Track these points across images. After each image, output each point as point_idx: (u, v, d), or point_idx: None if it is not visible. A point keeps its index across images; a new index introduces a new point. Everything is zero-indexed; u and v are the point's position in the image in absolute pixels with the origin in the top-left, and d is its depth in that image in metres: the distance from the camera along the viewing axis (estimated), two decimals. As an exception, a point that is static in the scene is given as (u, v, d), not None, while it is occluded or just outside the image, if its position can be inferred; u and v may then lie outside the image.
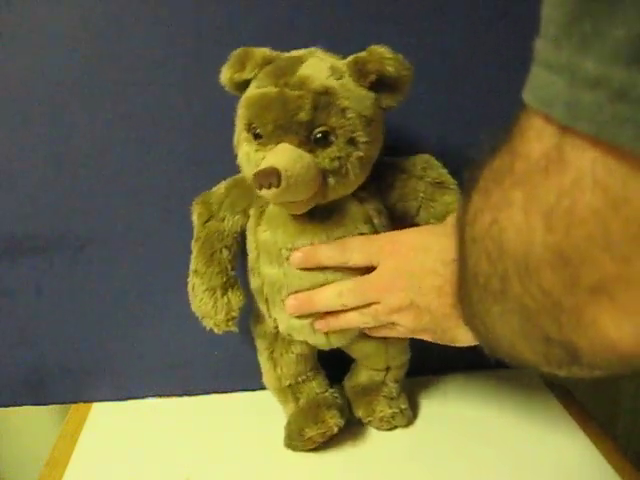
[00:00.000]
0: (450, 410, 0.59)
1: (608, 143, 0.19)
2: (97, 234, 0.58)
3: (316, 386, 0.55)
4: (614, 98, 0.18)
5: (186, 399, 0.62)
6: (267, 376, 0.55)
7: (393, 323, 0.49)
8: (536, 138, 0.22)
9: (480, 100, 0.56)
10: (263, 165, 0.43)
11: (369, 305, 0.49)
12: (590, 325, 0.22)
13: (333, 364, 0.58)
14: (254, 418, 0.58)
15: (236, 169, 0.53)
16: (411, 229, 0.49)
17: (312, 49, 0.48)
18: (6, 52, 0.53)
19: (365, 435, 0.56)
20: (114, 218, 0.57)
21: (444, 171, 0.51)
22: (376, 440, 0.56)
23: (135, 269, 0.59)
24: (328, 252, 0.48)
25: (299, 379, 0.54)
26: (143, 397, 0.62)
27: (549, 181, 0.21)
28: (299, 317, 0.50)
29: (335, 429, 0.52)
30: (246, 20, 0.54)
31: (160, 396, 0.62)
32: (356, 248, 0.48)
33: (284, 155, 0.43)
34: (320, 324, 0.51)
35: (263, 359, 0.55)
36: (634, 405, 0.82)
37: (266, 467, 0.53)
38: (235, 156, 0.53)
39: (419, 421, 0.58)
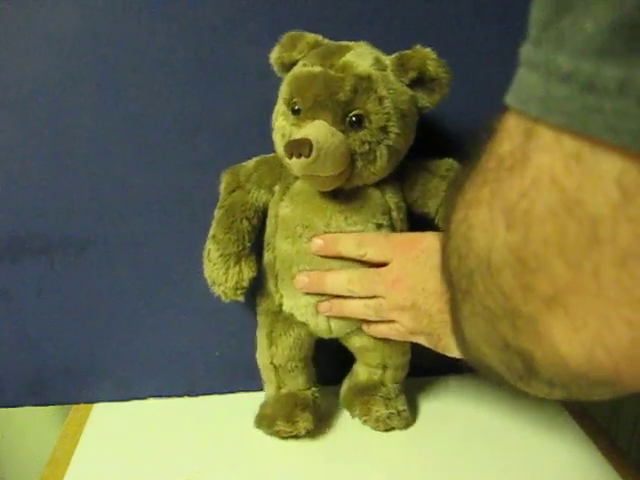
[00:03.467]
0: (449, 411, 0.59)
1: (577, 134, 0.19)
2: (98, 235, 0.58)
3: (301, 382, 0.56)
4: (583, 90, 0.19)
5: (187, 400, 0.62)
6: (261, 352, 0.56)
7: (393, 321, 0.50)
8: (507, 137, 0.22)
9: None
10: (297, 136, 0.45)
11: (374, 297, 0.50)
12: (544, 336, 0.22)
13: (331, 364, 0.58)
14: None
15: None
16: (429, 232, 0.50)
17: (360, 42, 0.50)
18: (7, 52, 0.53)
19: (365, 437, 0.56)
20: (115, 219, 0.57)
21: None
22: (376, 441, 0.56)
23: (136, 270, 0.59)
24: (347, 244, 0.50)
25: (289, 365, 0.55)
26: (144, 398, 0.62)
27: (512, 179, 0.22)
28: (307, 294, 0.51)
29: (303, 432, 0.54)
30: (248, 21, 0.54)
31: (161, 397, 0.62)
32: (372, 243, 0.50)
33: (318, 129, 0.45)
34: (324, 306, 0.52)
35: (261, 334, 0.56)
36: (635, 404, 0.82)
37: (267, 468, 0.53)
38: (237, 158, 0.53)
39: (419, 422, 0.58)
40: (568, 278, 0.20)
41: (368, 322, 0.53)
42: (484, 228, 0.23)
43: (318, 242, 0.50)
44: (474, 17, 0.55)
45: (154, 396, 0.62)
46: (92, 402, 0.62)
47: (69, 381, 0.62)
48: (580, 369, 0.22)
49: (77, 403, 0.63)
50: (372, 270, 0.50)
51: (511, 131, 0.22)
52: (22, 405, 0.62)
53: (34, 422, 0.81)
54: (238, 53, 0.51)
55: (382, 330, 0.52)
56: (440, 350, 0.48)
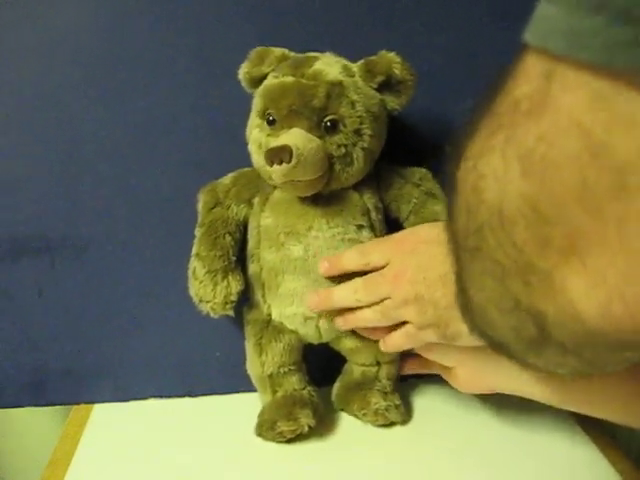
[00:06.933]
0: (447, 411, 0.59)
1: (606, 71, 0.18)
2: (99, 235, 0.58)
3: (295, 382, 0.56)
4: (616, 20, 0.17)
5: (188, 400, 0.62)
6: (251, 362, 0.56)
7: (402, 324, 0.50)
8: (524, 79, 0.21)
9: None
10: (276, 144, 0.46)
11: (381, 301, 0.49)
12: (559, 291, 0.21)
13: (323, 366, 0.58)
14: (256, 419, 0.58)
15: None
16: (424, 224, 0.51)
17: (326, 53, 0.51)
18: (10, 54, 0.53)
19: (365, 438, 0.56)
20: (116, 220, 0.58)
21: (438, 185, 0.55)
22: (373, 441, 0.56)
23: (137, 270, 0.59)
24: (350, 257, 0.50)
25: (281, 370, 0.55)
26: (145, 398, 0.62)
27: (529, 123, 0.20)
28: (295, 303, 0.52)
29: (306, 428, 0.53)
30: (249, 22, 0.54)
31: (162, 397, 0.62)
32: (373, 249, 0.50)
33: (295, 136, 0.47)
34: (339, 321, 0.52)
35: (250, 345, 0.56)
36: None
37: (268, 468, 0.53)
38: (237, 159, 0.53)
39: (416, 422, 0.58)
40: (588, 229, 0.19)
41: (383, 337, 0.52)
42: (496, 176, 0.21)
43: (324, 265, 0.51)
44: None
45: (154, 396, 0.62)
46: (92, 402, 0.62)
47: (69, 381, 0.62)
48: (597, 325, 0.20)
49: (77, 403, 0.62)
50: (374, 274, 0.50)
51: (529, 72, 0.20)
52: (22, 405, 0.62)
53: (34, 422, 0.81)
54: (238, 53, 0.51)
55: (395, 341, 0.51)
56: (449, 340, 0.47)
